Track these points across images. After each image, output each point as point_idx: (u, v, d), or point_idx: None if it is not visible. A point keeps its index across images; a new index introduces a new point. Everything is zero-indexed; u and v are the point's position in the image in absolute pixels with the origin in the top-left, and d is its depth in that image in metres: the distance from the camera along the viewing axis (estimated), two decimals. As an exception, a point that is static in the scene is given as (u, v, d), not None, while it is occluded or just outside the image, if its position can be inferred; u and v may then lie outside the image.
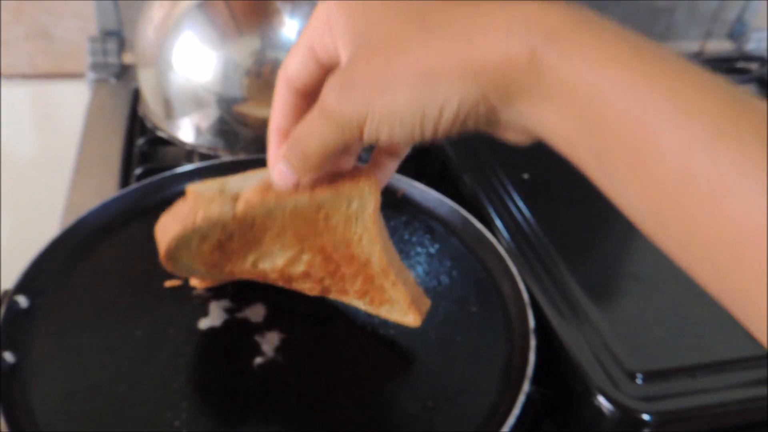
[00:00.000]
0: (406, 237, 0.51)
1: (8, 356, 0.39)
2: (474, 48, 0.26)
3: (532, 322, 0.42)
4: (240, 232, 0.39)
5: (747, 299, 0.22)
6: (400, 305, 0.41)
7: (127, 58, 0.82)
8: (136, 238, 0.49)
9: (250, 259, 0.42)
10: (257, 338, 0.42)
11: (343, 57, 0.29)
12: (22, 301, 0.42)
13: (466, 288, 0.47)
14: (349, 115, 0.28)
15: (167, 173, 0.54)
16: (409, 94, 0.27)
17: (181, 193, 0.51)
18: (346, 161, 0.37)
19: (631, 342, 0.42)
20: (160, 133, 0.63)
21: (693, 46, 0.98)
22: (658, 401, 0.39)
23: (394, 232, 0.51)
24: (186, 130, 0.62)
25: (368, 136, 0.29)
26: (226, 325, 0.43)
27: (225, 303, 0.44)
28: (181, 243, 0.38)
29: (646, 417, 0.38)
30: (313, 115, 0.30)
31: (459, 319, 0.44)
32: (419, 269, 0.48)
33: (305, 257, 0.41)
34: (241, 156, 0.59)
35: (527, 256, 0.49)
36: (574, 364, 0.41)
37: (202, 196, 0.38)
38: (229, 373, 0.40)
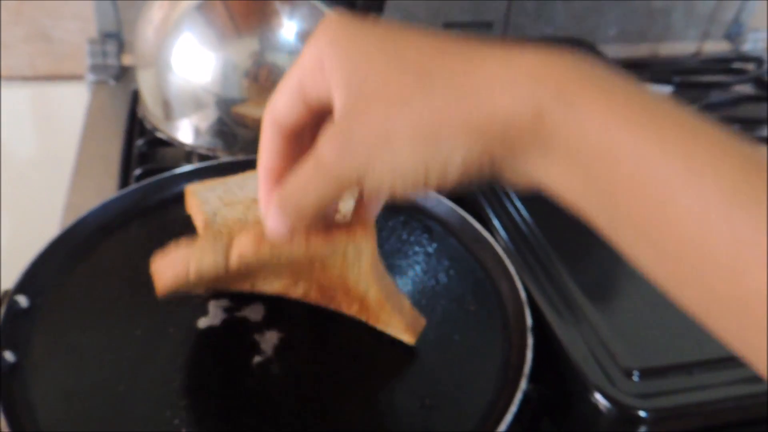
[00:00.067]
0: (405, 236, 0.51)
1: (8, 356, 0.39)
2: (478, 104, 0.25)
3: (529, 321, 0.42)
4: (235, 274, 0.39)
5: None
6: (395, 326, 0.42)
7: (127, 60, 0.83)
8: (136, 238, 0.50)
9: (247, 284, 0.43)
10: (256, 337, 0.42)
11: (337, 102, 0.28)
12: (22, 300, 0.42)
13: (464, 287, 0.47)
14: (348, 171, 0.27)
15: (166, 174, 0.55)
16: (411, 150, 0.26)
17: (180, 194, 0.52)
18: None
19: (628, 340, 0.43)
20: (159, 134, 0.64)
21: (690, 46, 0.98)
22: (655, 398, 0.39)
23: (392, 232, 0.51)
24: (185, 131, 0.62)
25: (369, 190, 0.28)
26: (225, 325, 0.43)
27: (224, 302, 0.44)
28: (176, 289, 0.38)
29: (642, 414, 0.38)
30: (308, 168, 0.29)
31: (457, 318, 0.44)
32: (417, 268, 0.48)
33: (301, 285, 0.43)
34: (240, 156, 0.59)
35: (525, 255, 0.50)
36: (571, 362, 0.41)
37: (195, 245, 0.36)
38: (228, 371, 0.40)
